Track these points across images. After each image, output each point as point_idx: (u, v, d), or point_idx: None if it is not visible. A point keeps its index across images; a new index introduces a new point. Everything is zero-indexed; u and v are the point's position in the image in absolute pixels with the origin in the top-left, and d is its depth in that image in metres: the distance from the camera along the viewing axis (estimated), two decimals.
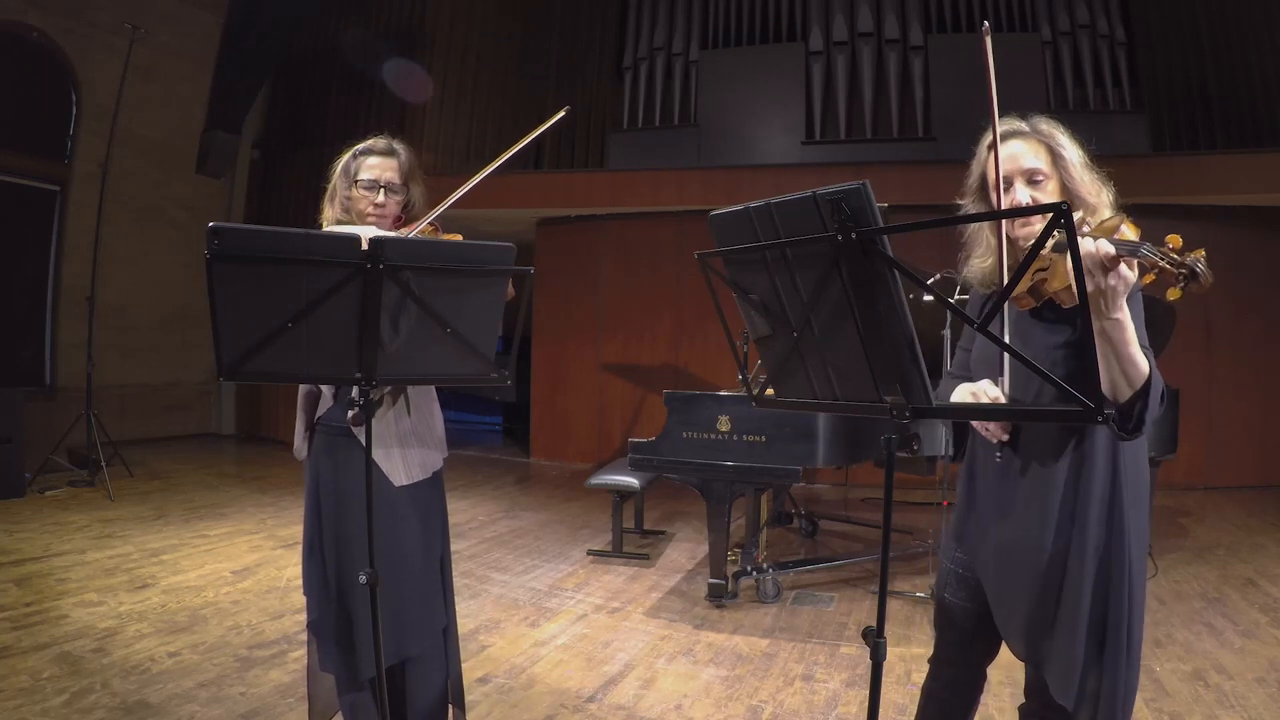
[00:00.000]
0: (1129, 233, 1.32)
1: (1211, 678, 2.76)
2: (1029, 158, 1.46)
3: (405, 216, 2.03)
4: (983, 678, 1.69)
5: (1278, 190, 5.59)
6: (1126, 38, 6.67)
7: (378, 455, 1.84)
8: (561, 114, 2.06)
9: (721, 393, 3.64)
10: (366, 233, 1.60)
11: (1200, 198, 5.94)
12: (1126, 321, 1.26)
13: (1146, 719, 2.46)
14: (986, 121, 1.47)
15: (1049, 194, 1.46)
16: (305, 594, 1.96)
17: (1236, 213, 6.16)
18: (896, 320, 1.14)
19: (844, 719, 2.52)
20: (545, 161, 8.25)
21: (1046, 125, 1.50)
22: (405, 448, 1.89)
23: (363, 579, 1.59)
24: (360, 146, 2.00)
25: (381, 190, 1.94)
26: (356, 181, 1.96)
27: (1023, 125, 1.51)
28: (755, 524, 4.00)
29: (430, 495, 1.96)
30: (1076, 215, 1.41)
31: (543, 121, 2.00)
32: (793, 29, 7.36)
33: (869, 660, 1.23)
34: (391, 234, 1.90)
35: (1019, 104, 1.58)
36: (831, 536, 4.97)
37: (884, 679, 1.27)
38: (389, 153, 1.99)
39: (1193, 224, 6.25)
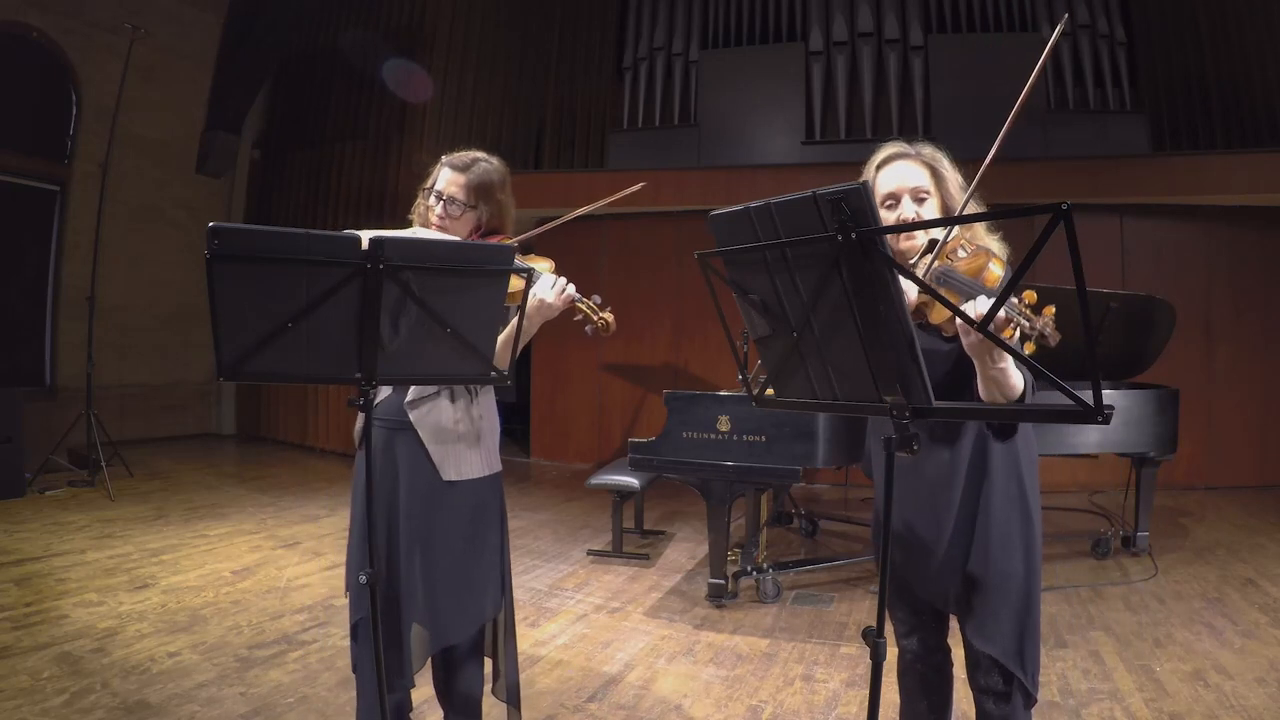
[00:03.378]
0: (997, 270, 1.38)
1: (1211, 678, 2.76)
2: (915, 177, 1.62)
3: (481, 235, 1.99)
4: (945, 647, 1.78)
5: (1278, 190, 5.59)
6: (1126, 38, 6.66)
7: (432, 448, 1.86)
8: (637, 187, 2.26)
9: (721, 393, 3.63)
10: (369, 233, 1.60)
11: (1200, 197, 5.93)
12: (1009, 366, 1.35)
13: (1147, 719, 2.47)
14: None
15: (931, 210, 1.62)
16: (349, 590, 1.93)
17: (1236, 212, 6.15)
18: (896, 320, 1.14)
19: (844, 719, 2.53)
20: (545, 161, 8.25)
21: (929, 150, 1.67)
22: (463, 445, 1.90)
23: (362, 579, 1.59)
24: (449, 156, 1.98)
25: (442, 203, 1.93)
26: (429, 189, 1.96)
27: (909, 148, 1.68)
28: (755, 524, 4.00)
29: (486, 493, 1.95)
30: (954, 232, 1.53)
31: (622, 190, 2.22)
32: (793, 29, 7.35)
33: (869, 660, 1.24)
34: (391, 234, 1.90)
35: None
36: (831, 536, 4.97)
37: (884, 679, 1.27)
38: (461, 167, 1.94)
39: (1192, 224, 6.26)
